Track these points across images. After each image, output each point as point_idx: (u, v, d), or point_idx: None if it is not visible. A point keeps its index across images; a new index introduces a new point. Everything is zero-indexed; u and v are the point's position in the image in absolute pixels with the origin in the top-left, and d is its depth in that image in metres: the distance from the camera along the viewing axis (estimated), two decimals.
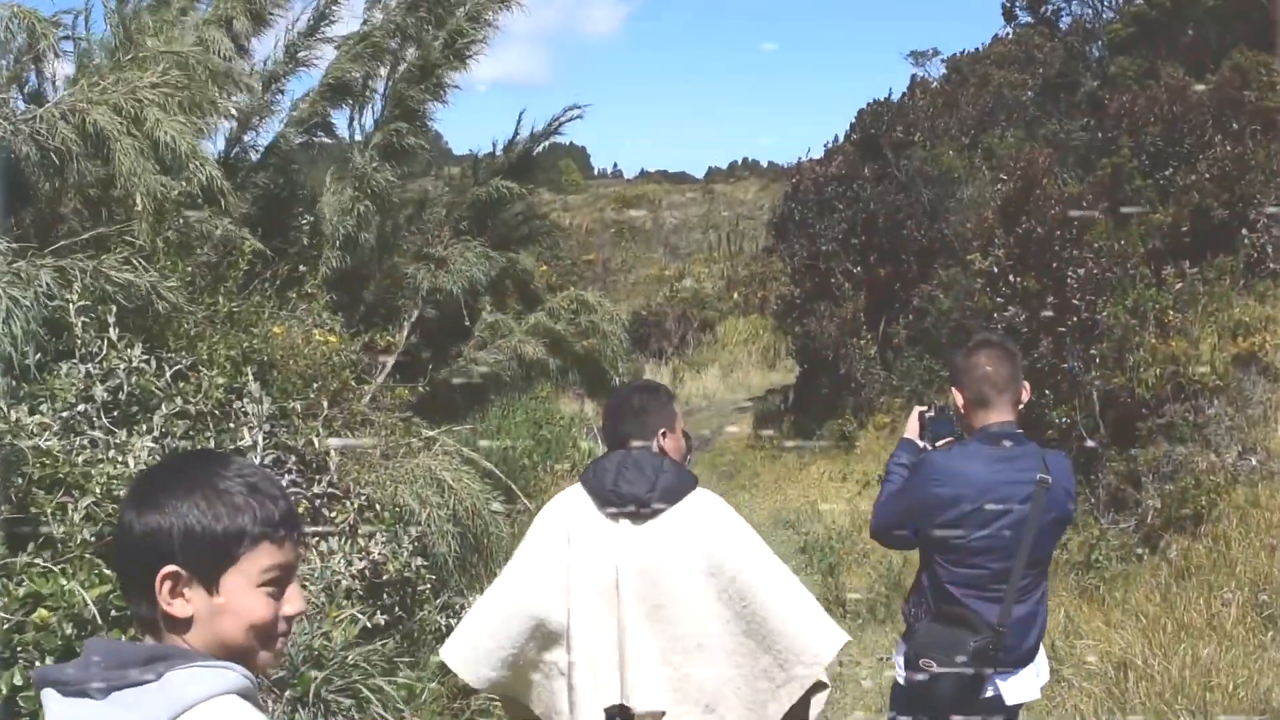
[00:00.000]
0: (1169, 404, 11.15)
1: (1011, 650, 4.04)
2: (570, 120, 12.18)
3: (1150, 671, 6.55)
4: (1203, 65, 14.01)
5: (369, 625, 5.84)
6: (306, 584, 5.81)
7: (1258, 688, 6.16)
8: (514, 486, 8.70)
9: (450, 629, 4.78)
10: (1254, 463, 10.41)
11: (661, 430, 3.73)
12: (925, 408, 4.68)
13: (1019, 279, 11.72)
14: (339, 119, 10.17)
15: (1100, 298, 11.40)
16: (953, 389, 4.27)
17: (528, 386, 11.89)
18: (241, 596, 1.97)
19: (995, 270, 12.06)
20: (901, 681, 4.32)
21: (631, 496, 3.54)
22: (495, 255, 10.67)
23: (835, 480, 15.34)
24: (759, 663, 3.54)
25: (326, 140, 10.26)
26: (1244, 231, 12.12)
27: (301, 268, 8.67)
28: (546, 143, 12.47)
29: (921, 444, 4.54)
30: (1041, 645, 4.32)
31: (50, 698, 1.88)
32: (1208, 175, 12.20)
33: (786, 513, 13.54)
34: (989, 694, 4.07)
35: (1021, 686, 4.14)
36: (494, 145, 12.23)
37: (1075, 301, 11.37)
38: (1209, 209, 12.10)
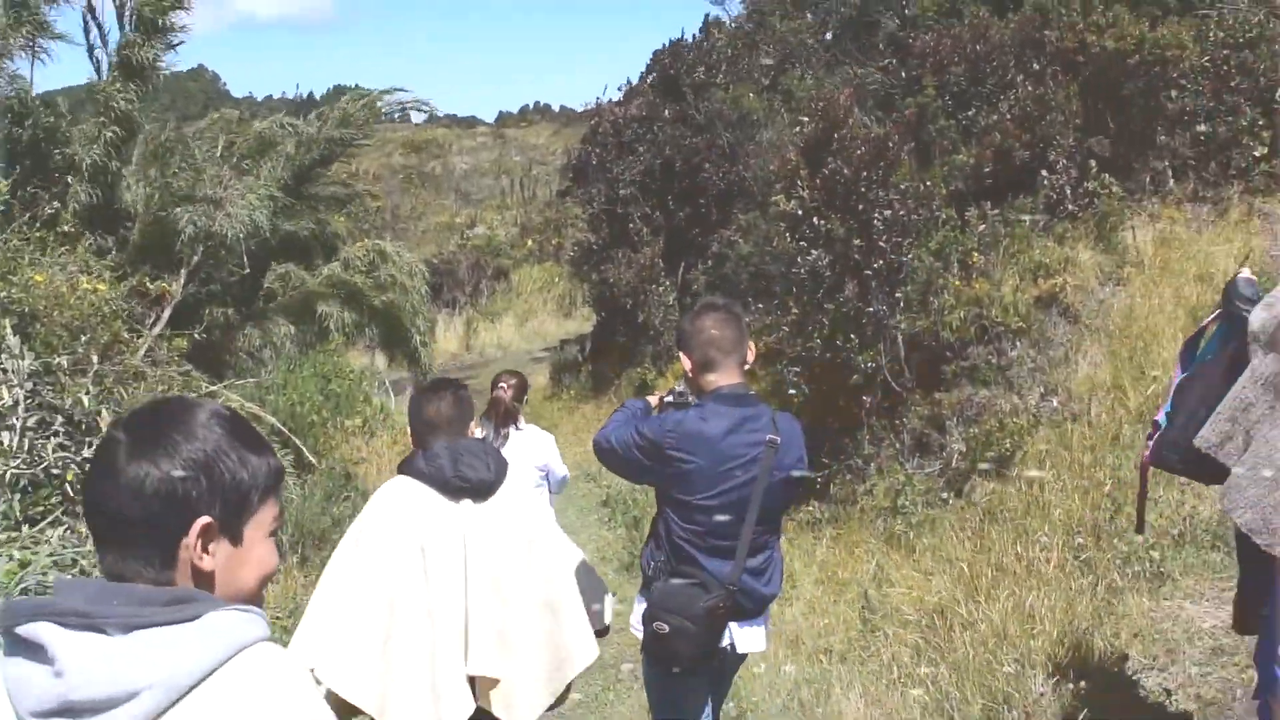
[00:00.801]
0: (973, 346, 11.20)
1: (744, 603, 4.29)
2: (413, 110, 11.66)
3: (973, 619, 6.42)
4: (1004, 5, 14.08)
5: None
6: (81, 558, 5.34)
7: (1077, 630, 6.08)
8: (302, 446, 8.21)
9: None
10: (1055, 404, 10.55)
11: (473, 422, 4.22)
12: (667, 393, 4.79)
13: (824, 222, 11.57)
14: (60, 19, 9.50)
15: (906, 240, 11.33)
16: (680, 353, 4.47)
17: (321, 341, 11.35)
18: (258, 547, 1.99)
19: (799, 213, 11.89)
20: (639, 635, 4.53)
21: (477, 480, 3.95)
22: (281, 196, 10.10)
23: None
24: (553, 639, 4.09)
25: (53, 40, 9.48)
26: (1043, 173, 12.20)
27: (57, 204, 8.01)
28: (362, 106, 11.90)
29: None
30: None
31: (48, 631, 1.74)
32: (1009, 116, 12.24)
33: (587, 465, 13.25)
34: (725, 643, 4.33)
35: (753, 637, 4.45)
36: (296, 87, 11.59)
37: (881, 244, 11.29)
38: (1011, 149, 12.15)
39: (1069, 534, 7.49)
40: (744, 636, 4.39)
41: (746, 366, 4.43)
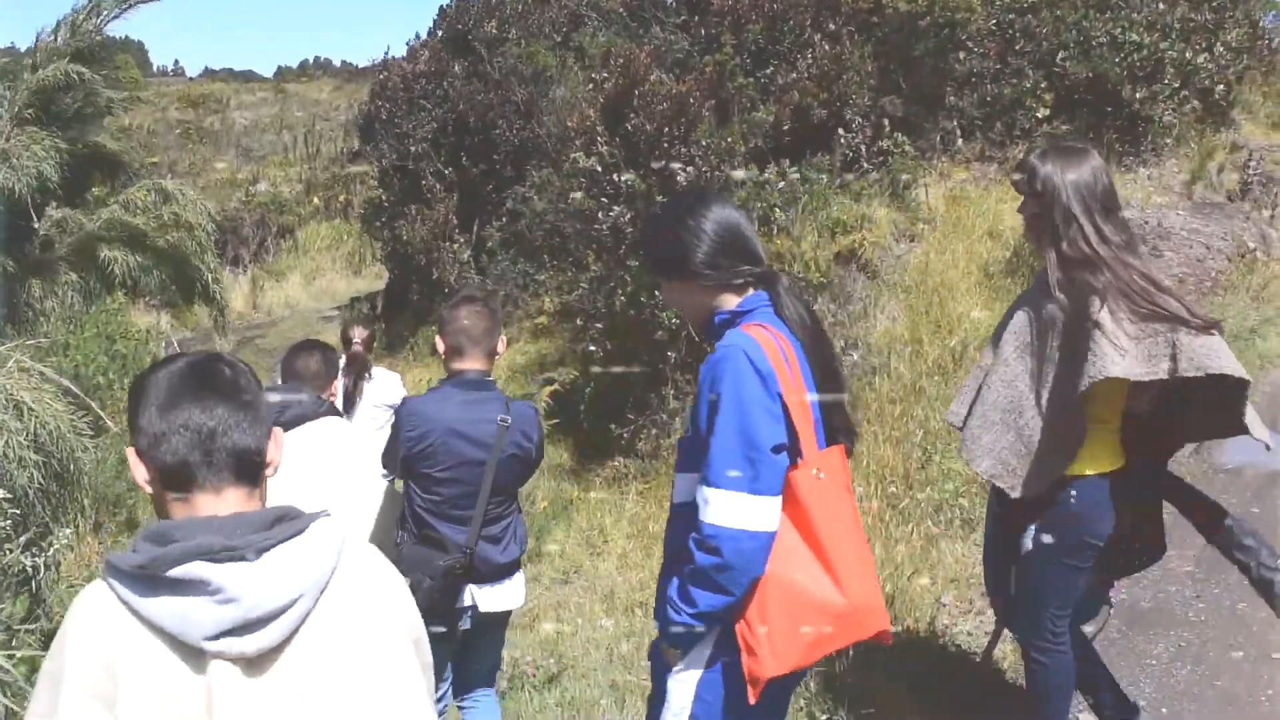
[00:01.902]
0: None
1: (481, 567, 4.66)
2: (140, 4, 11.01)
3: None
4: None
5: None
6: None
7: (901, 577, 6.11)
8: (95, 407, 7.74)
9: (37, 569, 4.09)
10: (856, 358, 10.63)
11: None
12: None
13: (625, 178, 11.45)
14: None
15: None
16: (437, 336, 4.79)
17: (109, 290, 10.73)
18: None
19: (599, 169, 11.75)
20: None
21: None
22: (64, 146, 9.49)
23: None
24: None
25: None
26: (840, 131, 12.29)
27: None
28: (107, 25, 11.22)
29: None
30: (522, 569, 4.98)
31: (203, 568, 1.98)
32: (807, 75, 12.28)
33: None
34: (466, 603, 4.68)
35: (498, 597, 4.79)
36: (57, 25, 10.85)
37: None
38: (809, 108, 12.20)
39: (882, 483, 7.56)
40: (486, 597, 4.74)
41: (496, 356, 4.82)
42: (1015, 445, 3.92)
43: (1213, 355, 3.64)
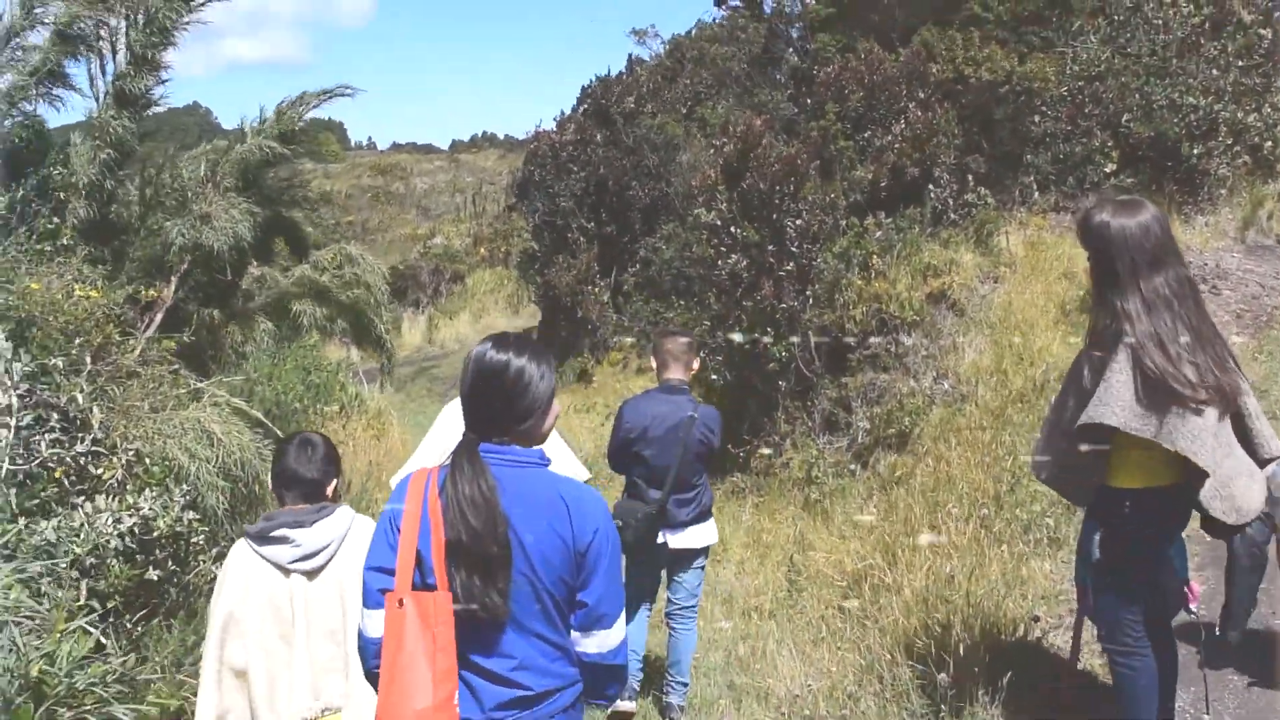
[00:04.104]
0: (874, 337, 10.90)
1: (673, 518, 5.59)
2: (337, 97, 11.11)
3: (898, 584, 5.96)
4: (891, 41, 13.72)
5: (144, 579, 5.15)
6: (74, 544, 4.77)
7: (992, 596, 5.63)
8: (280, 434, 7.61)
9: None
10: (946, 386, 10.30)
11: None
12: None
13: (741, 230, 11.20)
14: (77, 70, 8.86)
15: (814, 245, 11.01)
16: (651, 356, 5.86)
17: (296, 336, 10.74)
18: None
19: (719, 223, 11.51)
20: None
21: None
22: (258, 212, 9.48)
23: (580, 412, 14.63)
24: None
25: (61, 91, 8.88)
26: (930, 186, 11.87)
27: (56, 220, 7.36)
28: (310, 114, 11.32)
29: None
30: (713, 519, 5.88)
31: (288, 531, 3.61)
32: (901, 138, 11.88)
33: None
34: (660, 541, 5.61)
35: (683, 539, 5.66)
36: (260, 111, 10.90)
37: (793, 249, 10.98)
38: (903, 167, 11.82)
39: (974, 505, 7.06)
40: (675, 538, 5.65)
41: (692, 371, 5.77)
42: (1063, 459, 3.82)
43: (1191, 438, 3.49)
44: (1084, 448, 3.67)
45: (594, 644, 2.78)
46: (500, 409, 2.73)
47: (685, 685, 5.93)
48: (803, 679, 5.89)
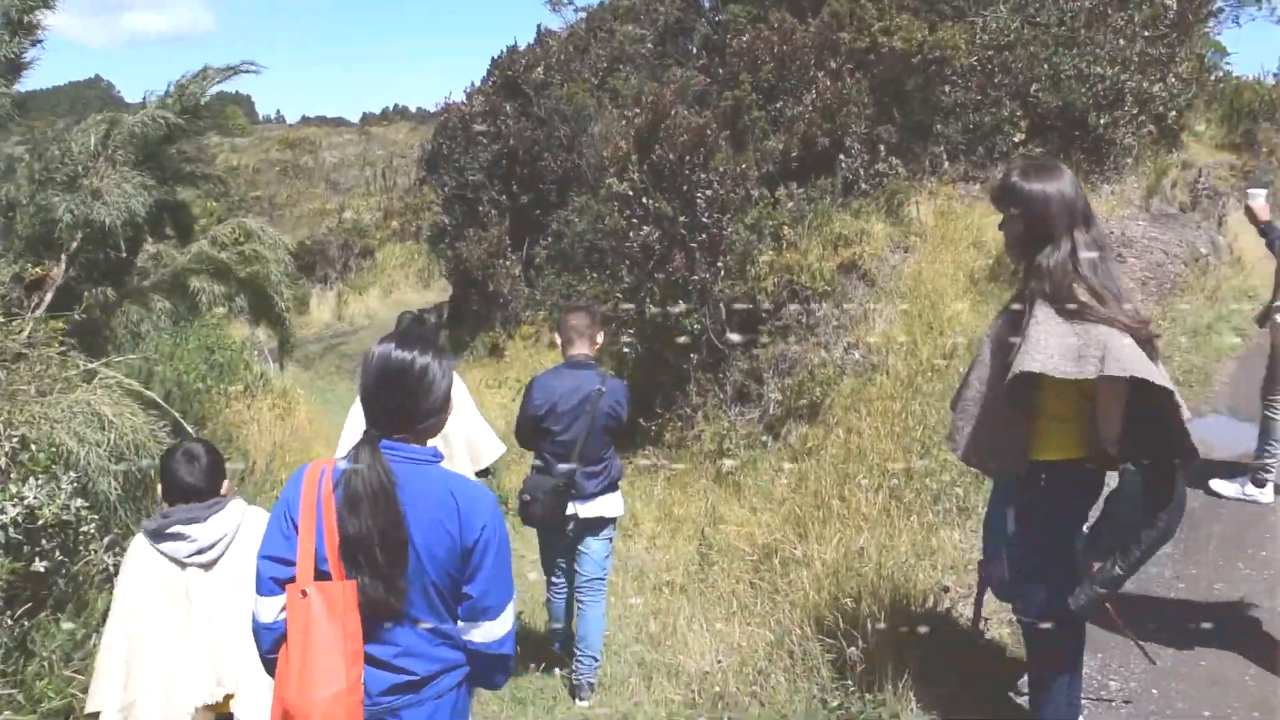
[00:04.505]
0: (785, 307, 10.84)
1: (582, 489, 5.69)
2: (242, 73, 10.74)
3: (809, 557, 5.88)
4: (803, 10, 13.63)
5: (30, 571, 4.94)
6: None
7: (903, 568, 5.58)
8: (180, 417, 7.32)
9: (119, 568, 3.90)
10: (857, 356, 10.28)
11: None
12: None
13: (653, 201, 11.06)
14: None
15: (725, 216, 10.91)
16: (554, 332, 6.03)
17: (195, 314, 10.42)
18: None
19: (631, 194, 11.36)
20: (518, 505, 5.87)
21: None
22: (153, 186, 9.10)
23: (491, 387, 14.42)
24: None
25: None
26: (841, 157, 11.82)
27: None
28: (214, 88, 10.93)
29: None
30: (620, 491, 5.98)
31: (184, 528, 3.85)
32: (812, 108, 11.80)
33: None
34: (570, 512, 5.72)
35: (590, 509, 5.76)
36: (166, 86, 10.49)
37: (704, 220, 10.86)
38: (814, 137, 11.74)
39: (884, 475, 7.01)
40: (583, 508, 5.74)
41: (597, 345, 5.91)
42: (983, 431, 3.71)
43: (1140, 359, 3.37)
44: (997, 428, 3.63)
45: (480, 634, 2.86)
46: (403, 407, 2.83)
47: (595, 661, 5.93)
48: (713, 655, 5.81)
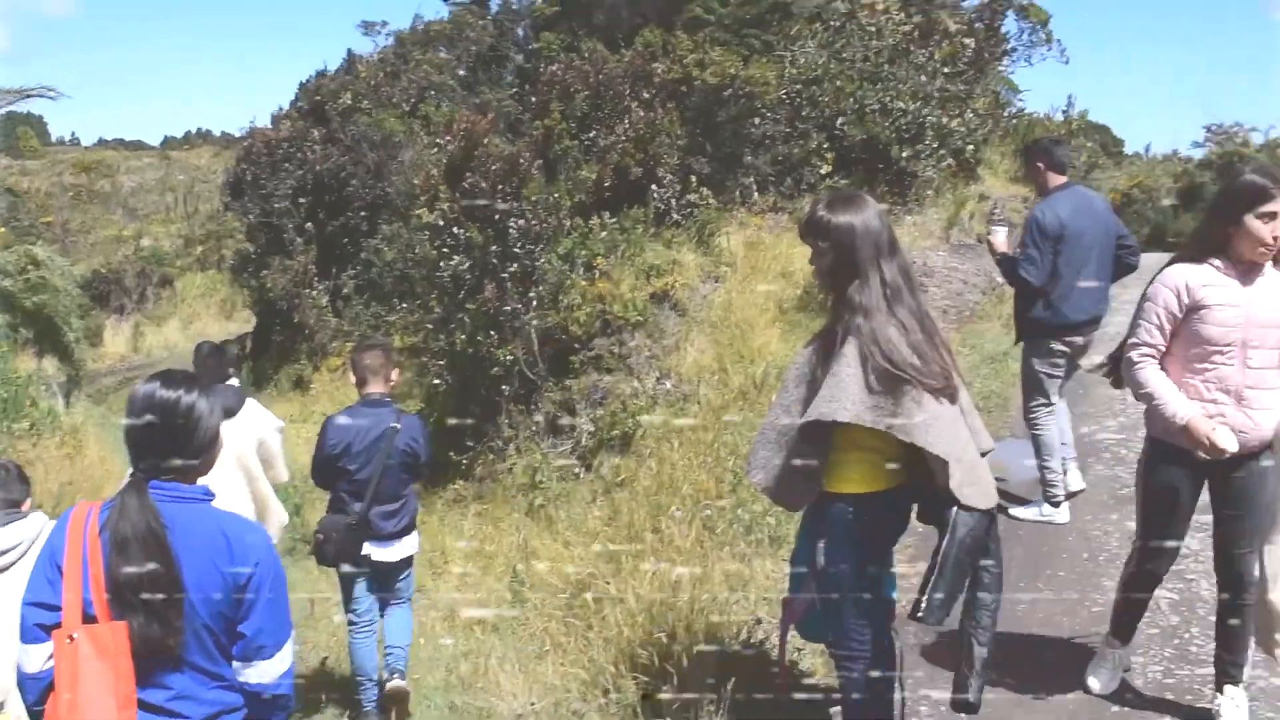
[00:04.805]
0: (598, 338, 10.81)
1: (380, 529, 5.70)
2: (36, 97, 10.23)
3: (623, 592, 5.77)
4: (616, 41, 13.68)
5: None
6: None
7: (716, 601, 5.51)
8: None
9: None
10: (669, 386, 10.28)
11: None
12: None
13: (463, 231, 10.91)
14: None
15: (538, 246, 10.82)
16: (349, 372, 6.00)
17: None
18: None
19: (441, 223, 11.19)
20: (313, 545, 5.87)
21: None
22: None
23: (296, 422, 13.94)
24: None
25: None
26: (653, 187, 11.87)
27: None
28: (3, 109, 10.36)
29: None
30: (416, 531, 6.03)
31: None
32: (625, 138, 11.83)
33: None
34: (365, 552, 5.67)
35: (389, 552, 5.77)
36: None
37: (516, 250, 10.74)
38: (627, 167, 11.75)
39: (697, 506, 6.96)
40: (380, 551, 5.73)
41: (391, 384, 5.86)
42: (786, 464, 3.63)
43: (925, 428, 3.40)
44: (797, 462, 3.58)
45: (255, 674, 2.79)
46: (170, 446, 2.77)
47: (404, 650, 5.98)
48: (526, 696, 5.64)
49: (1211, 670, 4.29)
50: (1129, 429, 8.56)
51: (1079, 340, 6.53)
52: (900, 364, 3.41)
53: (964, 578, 3.60)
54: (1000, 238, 6.56)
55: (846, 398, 3.39)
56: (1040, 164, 6.54)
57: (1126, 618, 4.47)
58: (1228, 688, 4.19)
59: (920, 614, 3.61)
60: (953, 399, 3.55)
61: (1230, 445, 3.76)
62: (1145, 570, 4.26)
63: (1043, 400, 6.58)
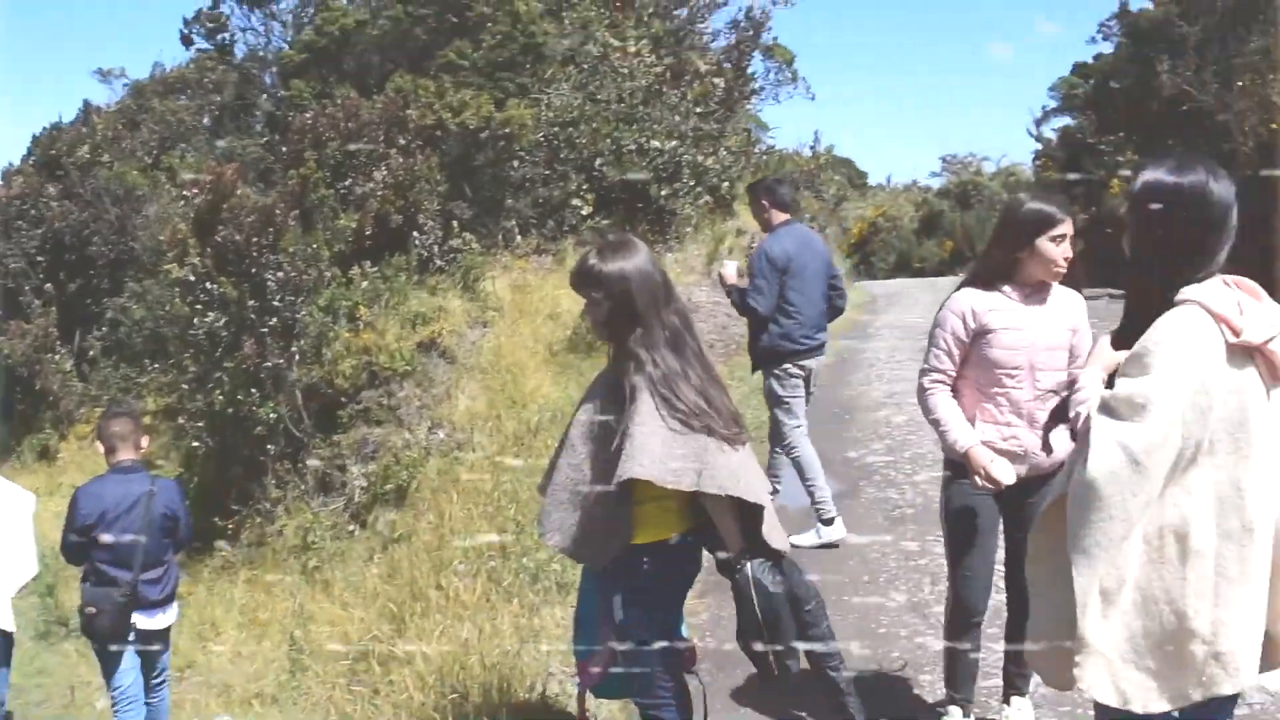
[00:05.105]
0: (365, 390, 10.60)
1: (145, 597, 5.48)
2: None
3: (410, 654, 5.60)
4: (369, 87, 13.48)
5: None
6: None
7: (508, 656, 5.42)
8: None
9: None
10: (442, 436, 10.15)
11: None
12: None
13: (217, 286, 10.52)
14: None
15: (298, 298, 10.52)
16: (97, 440, 5.78)
17: None
18: None
19: (193, 278, 10.75)
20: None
21: None
22: None
23: (45, 495, 13.08)
24: None
25: None
26: (415, 234, 11.71)
27: None
28: None
29: None
30: (177, 600, 5.85)
31: None
32: (383, 185, 11.63)
33: None
34: (139, 625, 5.51)
35: (155, 620, 5.61)
36: None
37: (275, 303, 10.42)
38: (387, 215, 11.56)
39: (481, 558, 6.84)
40: (148, 620, 5.56)
41: (141, 450, 5.72)
42: (583, 522, 3.52)
43: (734, 477, 3.38)
44: (604, 520, 3.50)
45: None
46: None
47: None
48: None
49: (998, 682, 4.40)
50: (895, 450, 8.90)
51: (809, 363, 6.88)
52: (696, 411, 3.40)
53: (793, 622, 3.62)
54: (730, 270, 6.90)
55: (644, 455, 3.33)
56: (765, 201, 6.95)
57: (958, 665, 4.28)
58: (1014, 699, 4.33)
59: (778, 673, 3.63)
60: (744, 441, 3.57)
61: (1007, 479, 3.83)
62: (961, 599, 4.16)
63: (792, 423, 6.85)
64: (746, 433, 3.60)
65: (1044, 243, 3.83)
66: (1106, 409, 2.45)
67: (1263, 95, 19.08)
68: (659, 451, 3.33)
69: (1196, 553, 2.42)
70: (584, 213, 13.42)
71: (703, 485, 3.34)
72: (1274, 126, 17.87)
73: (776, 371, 6.76)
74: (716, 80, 15.31)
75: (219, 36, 16.61)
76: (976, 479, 3.85)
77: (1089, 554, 2.44)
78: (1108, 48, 28.99)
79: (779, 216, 6.86)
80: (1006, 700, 4.32)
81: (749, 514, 3.51)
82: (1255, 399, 2.50)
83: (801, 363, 6.78)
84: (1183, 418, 2.40)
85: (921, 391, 4.10)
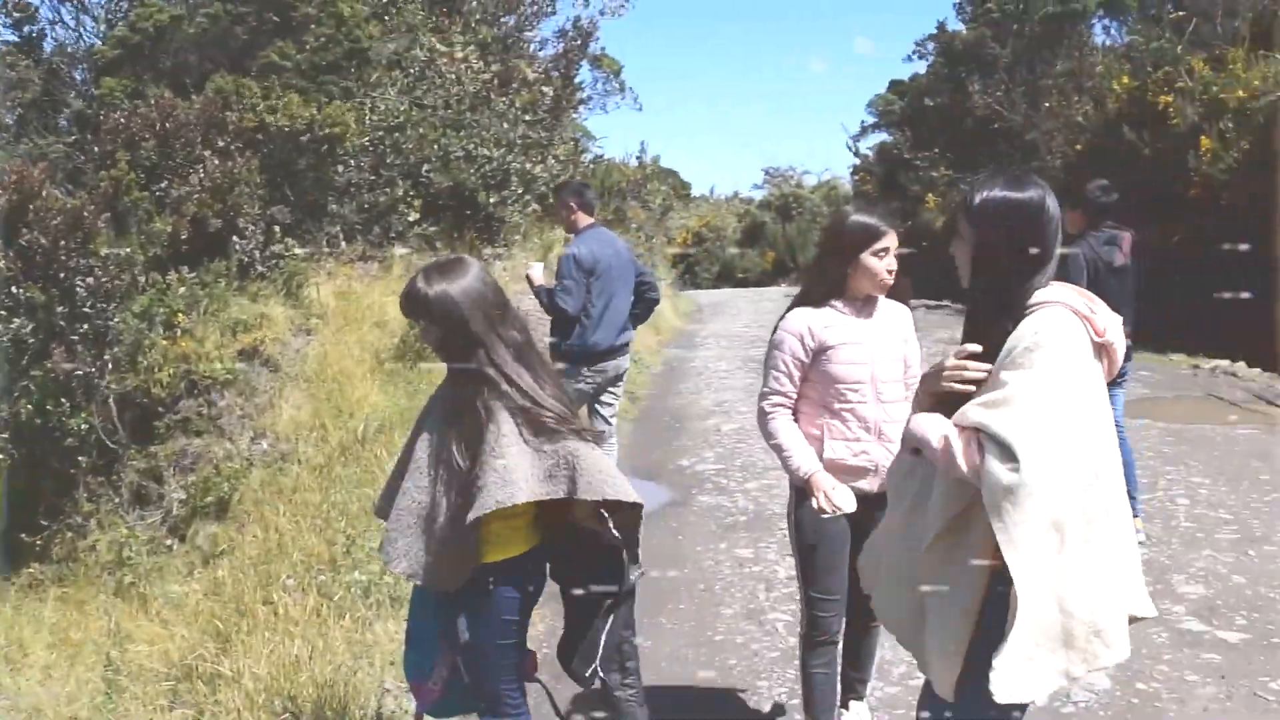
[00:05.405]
0: (184, 400, 10.28)
1: None
2: None
3: (237, 672, 5.47)
4: (186, 88, 13.05)
5: None
6: None
7: (341, 671, 5.35)
8: None
9: None
10: (265, 446, 9.96)
11: None
12: None
13: (23, 291, 10.08)
14: None
15: (110, 305, 10.14)
16: None
17: None
18: None
19: None
20: None
21: None
22: None
23: None
24: None
25: None
26: (235, 238, 11.39)
27: None
28: None
29: None
30: None
31: None
32: (201, 188, 11.27)
33: None
34: None
35: None
36: None
37: (86, 310, 10.04)
38: (205, 219, 11.21)
39: (310, 572, 6.72)
40: None
41: None
42: (432, 548, 3.47)
43: (608, 480, 3.40)
44: (454, 545, 3.47)
45: None
46: None
47: None
48: None
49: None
50: (726, 459, 9.10)
51: (616, 362, 7.24)
52: (563, 417, 3.43)
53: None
54: (537, 271, 7.34)
55: (520, 477, 3.33)
56: (574, 203, 7.29)
57: (815, 688, 4.22)
58: (853, 703, 4.47)
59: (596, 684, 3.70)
60: (601, 440, 3.63)
61: (848, 506, 3.88)
62: (816, 620, 4.14)
63: (599, 424, 7.22)
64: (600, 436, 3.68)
65: (868, 258, 3.92)
66: (992, 412, 2.57)
67: (1067, 116, 20.13)
68: (528, 470, 3.34)
69: (1072, 539, 2.54)
70: (411, 219, 13.30)
71: (579, 491, 3.36)
72: (1079, 148, 18.85)
73: (575, 373, 6.98)
74: (545, 89, 15.39)
75: (26, 29, 15.82)
76: (819, 505, 3.90)
77: (1030, 555, 2.52)
78: (922, 67, 30.22)
79: (584, 219, 7.24)
80: (845, 705, 4.44)
81: (616, 510, 3.55)
82: (1104, 393, 2.71)
83: (598, 366, 7.10)
84: (1074, 408, 2.56)
85: (762, 415, 4.13)
